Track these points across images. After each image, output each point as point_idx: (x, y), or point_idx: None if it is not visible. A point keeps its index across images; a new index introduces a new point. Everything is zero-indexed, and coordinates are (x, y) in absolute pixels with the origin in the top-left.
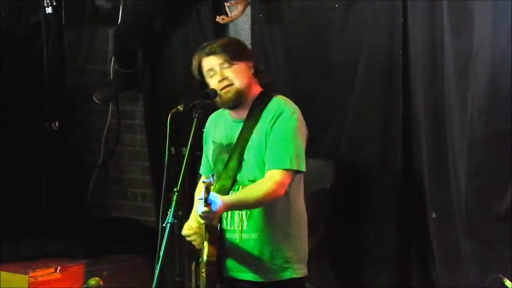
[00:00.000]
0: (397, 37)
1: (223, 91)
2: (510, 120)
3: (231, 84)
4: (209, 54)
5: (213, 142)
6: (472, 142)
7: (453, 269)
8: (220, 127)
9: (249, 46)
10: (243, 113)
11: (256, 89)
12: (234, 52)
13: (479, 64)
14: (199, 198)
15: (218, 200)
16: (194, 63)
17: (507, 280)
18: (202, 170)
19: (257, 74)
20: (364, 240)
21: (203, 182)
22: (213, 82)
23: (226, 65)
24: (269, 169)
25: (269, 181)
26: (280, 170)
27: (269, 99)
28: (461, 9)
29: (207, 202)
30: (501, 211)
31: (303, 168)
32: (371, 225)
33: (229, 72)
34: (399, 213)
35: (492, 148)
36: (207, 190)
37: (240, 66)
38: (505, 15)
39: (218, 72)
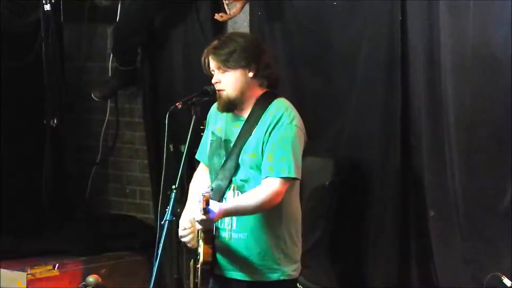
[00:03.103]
0: (396, 35)
1: (217, 94)
2: (509, 118)
3: (223, 90)
4: (209, 52)
5: (213, 133)
6: (471, 140)
7: (452, 267)
8: (222, 118)
9: None
10: (245, 112)
11: (257, 91)
12: (227, 60)
13: (478, 63)
14: (199, 203)
15: (216, 208)
16: (203, 56)
17: (505, 277)
18: (198, 156)
19: (259, 77)
20: (363, 238)
21: (203, 195)
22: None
23: (220, 70)
24: (266, 176)
25: (267, 189)
26: (278, 179)
27: (270, 101)
28: (459, 7)
29: (205, 211)
30: (500, 210)
31: (300, 176)
32: (370, 223)
33: (222, 77)
34: (398, 211)
35: (491, 146)
36: (207, 203)
37: (234, 73)
38: (503, 12)
39: (216, 73)
